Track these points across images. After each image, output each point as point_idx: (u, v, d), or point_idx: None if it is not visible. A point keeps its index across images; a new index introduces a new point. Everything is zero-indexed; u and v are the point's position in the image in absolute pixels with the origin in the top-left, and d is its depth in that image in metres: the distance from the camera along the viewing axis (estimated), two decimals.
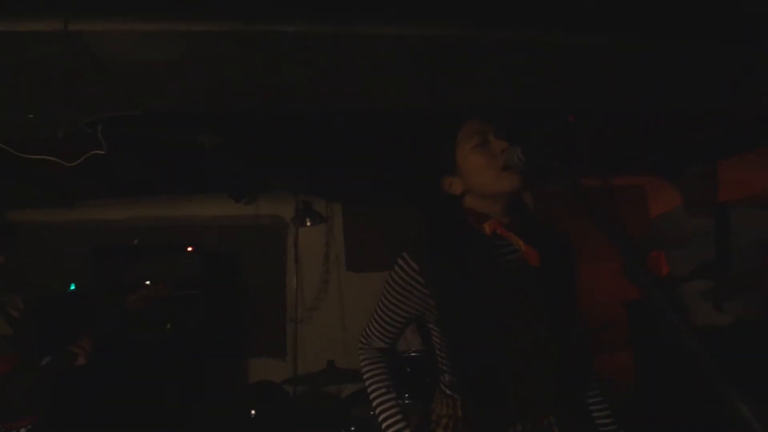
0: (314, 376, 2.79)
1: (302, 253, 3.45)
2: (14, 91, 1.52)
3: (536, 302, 0.97)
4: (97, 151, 1.89)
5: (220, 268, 3.21)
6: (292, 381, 2.91)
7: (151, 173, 2.66)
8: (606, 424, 1.06)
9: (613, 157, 2.90)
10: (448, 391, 1.04)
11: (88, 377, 1.91)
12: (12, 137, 1.87)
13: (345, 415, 2.51)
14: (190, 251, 2.94)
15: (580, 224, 1.17)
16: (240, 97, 1.68)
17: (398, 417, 1.02)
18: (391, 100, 1.72)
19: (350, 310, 3.42)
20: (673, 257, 2.34)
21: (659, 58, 1.54)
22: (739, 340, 1.99)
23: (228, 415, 2.69)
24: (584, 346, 1.06)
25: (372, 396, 1.07)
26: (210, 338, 2.93)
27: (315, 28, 1.25)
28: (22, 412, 1.62)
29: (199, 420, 2.71)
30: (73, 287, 2.86)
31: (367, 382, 1.09)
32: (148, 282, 1.98)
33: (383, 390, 1.06)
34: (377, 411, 1.04)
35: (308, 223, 3.32)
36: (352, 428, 2.41)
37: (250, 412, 2.62)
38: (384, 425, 1.02)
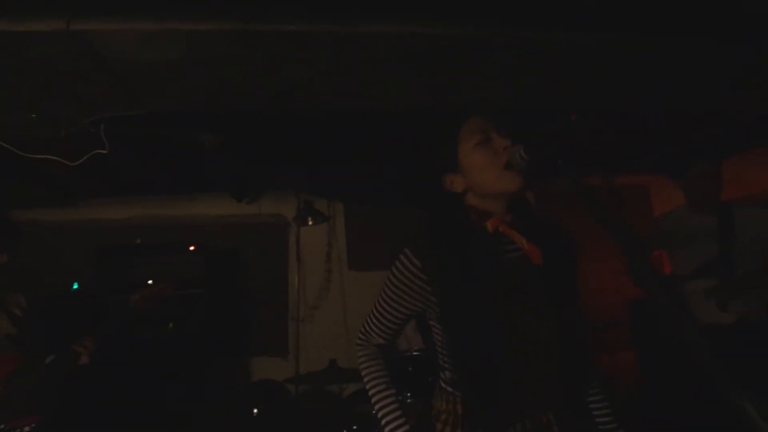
0: (316, 375, 2.79)
1: (304, 252, 3.45)
2: (17, 90, 1.52)
3: (538, 300, 0.97)
4: (100, 151, 1.90)
5: (222, 267, 3.22)
6: (294, 380, 2.91)
7: (154, 173, 2.66)
8: (605, 422, 1.05)
9: (615, 156, 2.89)
10: (448, 388, 1.04)
11: (91, 376, 1.92)
12: (15, 137, 1.88)
13: (347, 414, 2.52)
14: (192, 250, 2.95)
15: (582, 223, 1.17)
16: (242, 96, 1.68)
17: (397, 413, 1.02)
18: (392, 99, 1.72)
19: (352, 309, 3.42)
20: (676, 256, 2.34)
21: (659, 58, 1.53)
22: (742, 339, 1.98)
23: (230, 413, 2.70)
24: (585, 345, 1.06)
25: (371, 392, 1.07)
26: (212, 337, 2.94)
27: (316, 28, 1.25)
28: (27, 410, 1.63)
29: (202, 419, 2.71)
30: (76, 286, 2.87)
31: (366, 378, 1.09)
32: (150, 281, 1.99)
33: (382, 386, 1.06)
34: (376, 407, 1.04)
35: (310, 222, 3.32)
36: (354, 427, 2.42)
37: (252, 410, 2.63)
38: (383, 421, 1.02)
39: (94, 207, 3.22)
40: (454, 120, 1.06)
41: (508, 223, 0.99)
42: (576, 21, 1.32)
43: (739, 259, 2.09)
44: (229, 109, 1.84)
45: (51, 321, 2.11)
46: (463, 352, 0.98)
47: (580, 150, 2.55)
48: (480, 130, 1.00)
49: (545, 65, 1.53)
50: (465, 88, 1.65)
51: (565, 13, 1.30)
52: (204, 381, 2.86)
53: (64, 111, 1.68)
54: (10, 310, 1.71)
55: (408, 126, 2.05)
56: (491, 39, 1.35)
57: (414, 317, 1.10)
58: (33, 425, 1.63)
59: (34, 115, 1.68)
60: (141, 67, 1.40)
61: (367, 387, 1.08)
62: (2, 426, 1.57)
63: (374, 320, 1.10)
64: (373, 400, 1.05)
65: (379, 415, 1.03)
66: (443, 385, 1.06)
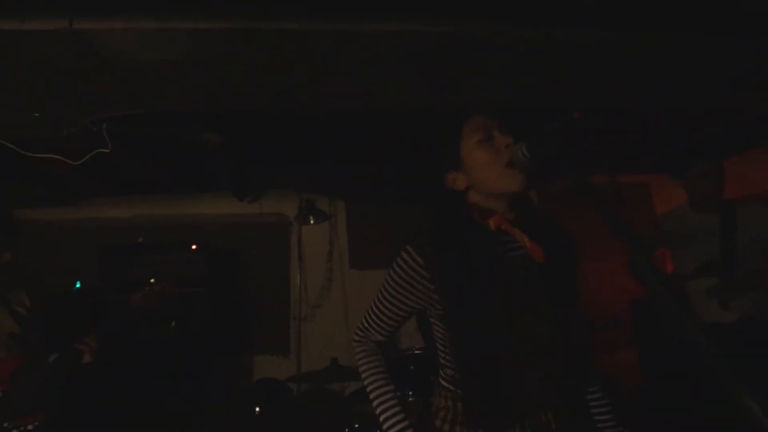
0: (318, 373, 2.79)
1: (306, 251, 3.45)
2: (19, 90, 1.53)
3: (539, 299, 0.97)
4: (102, 150, 1.90)
5: (223, 266, 3.22)
6: (295, 378, 2.91)
7: (156, 172, 2.67)
8: (605, 420, 1.05)
9: (616, 155, 2.89)
10: (448, 385, 1.04)
11: (94, 375, 1.92)
12: (17, 136, 1.88)
13: (349, 413, 2.52)
14: (194, 249, 2.95)
15: (582, 223, 1.17)
16: (242, 96, 1.68)
17: (396, 409, 1.01)
18: (392, 99, 1.72)
19: (354, 308, 3.43)
20: (678, 255, 2.33)
21: (659, 58, 1.54)
22: (744, 338, 1.98)
23: (232, 412, 2.71)
24: (586, 344, 1.06)
25: (369, 388, 1.06)
26: (214, 336, 2.94)
27: (316, 26, 1.25)
28: (30, 409, 1.64)
29: (203, 417, 2.72)
30: (78, 286, 2.87)
31: (364, 375, 1.08)
32: (153, 280, 1.99)
33: (381, 382, 1.05)
34: (375, 403, 1.03)
35: (312, 221, 3.33)
36: (356, 426, 2.42)
37: (254, 409, 2.63)
38: (382, 417, 1.01)
39: (96, 206, 3.22)
40: (454, 119, 1.05)
41: (511, 221, 0.99)
42: (576, 20, 1.32)
43: (741, 257, 2.09)
44: (230, 109, 1.84)
45: (53, 320, 2.11)
46: (464, 350, 0.98)
47: (582, 149, 2.55)
48: (482, 128, 1.00)
49: (545, 65, 1.53)
50: (465, 87, 1.66)
51: (566, 12, 1.29)
52: (205, 380, 2.87)
53: (66, 110, 1.69)
54: (13, 309, 1.72)
55: (409, 125, 2.05)
56: (491, 38, 1.35)
57: (414, 315, 1.10)
58: (36, 424, 1.64)
59: (37, 114, 1.69)
60: (144, 66, 1.41)
61: (365, 383, 1.07)
62: (6, 424, 1.58)
63: (373, 317, 1.09)
64: (372, 396, 1.05)
65: (378, 411, 1.02)
66: (443, 382, 1.06)
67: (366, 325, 1.12)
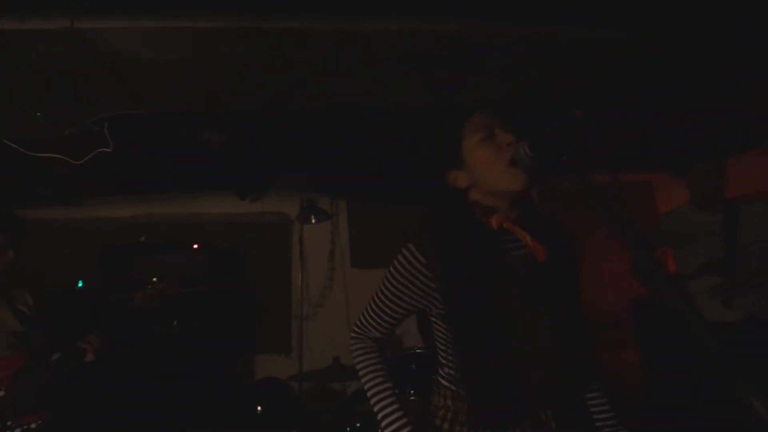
0: (320, 372, 2.80)
1: (307, 251, 3.46)
2: (21, 89, 1.53)
3: (541, 298, 0.97)
4: (104, 149, 1.90)
5: (225, 265, 3.23)
6: (297, 377, 2.92)
7: (157, 171, 2.67)
8: (605, 419, 1.05)
9: (620, 153, 2.88)
10: (447, 384, 1.04)
11: (97, 374, 1.93)
12: (19, 135, 1.89)
13: (350, 412, 2.52)
14: (195, 249, 2.96)
15: (583, 222, 1.17)
16: (243, 96, 1.68)
17: (394, 406, 1.00)
18: (392, 98, 1.72)
19: (355, 307, 3.43)
20: (680, 254, 2.33)
21: (659, 58, 1.53)
22: (748, 337, 1.97)
23: (234, 411, 2.71)
24: (587, 343, 1.06)
25: (367, 386, 1.05)
26: (216, 335, 2.95)
27: (317, 25, 1.25)
28: (34, 407, 1.64)
29: (206, 416, 2.72)
30: (80, 285, 2.88)
31: (362, 372, 1.06)
32: (154, 279, 1.99)
33: (379, 379, 1.04)
34: (373, 401, 1.02)
35: (313, 221, 3.33)
36: (358, 425, 2.42)
37: (256, 408, 2.64)
38: (380, 415, 1.00)
39: (97, 205, 3.23)
40: (455, 118, 1.05)
41: (513, 220, 0.98)
42: (576, 19, 1.32)
43: (744, 256, 2.09)
44: (231, 108, 1.84)
45: (55, 319, 2.12)
46: (465, 349, 0.98)
47: (584, 147, 2.54)
48: (484, 126, 0.99)
49: (545, 65, 1.52)
50: (465, 87, 1.65)
51: (566, 11, 1.29)
52: (207, 379, 2.87)
53: (67, 110, 1.69)
54: (16, 308, 1.72)
55: (409, 124, 2.05)
56: (491, 38, 1.35)
57: (413, 313, 1.09)
58: (39, 422, 1.65)
59: (38, 114, 1.69)
60: (146, 66, 1.41)
61: (363, 381, 1.06)
62: (9, 423, 1.58)
63: (371, 314, 1.08)
64: (369, 393, 1.04)
65: (376, 408, 1.01)
66: (442, 381, 1.06)
67: (364, 322, 1.10)
